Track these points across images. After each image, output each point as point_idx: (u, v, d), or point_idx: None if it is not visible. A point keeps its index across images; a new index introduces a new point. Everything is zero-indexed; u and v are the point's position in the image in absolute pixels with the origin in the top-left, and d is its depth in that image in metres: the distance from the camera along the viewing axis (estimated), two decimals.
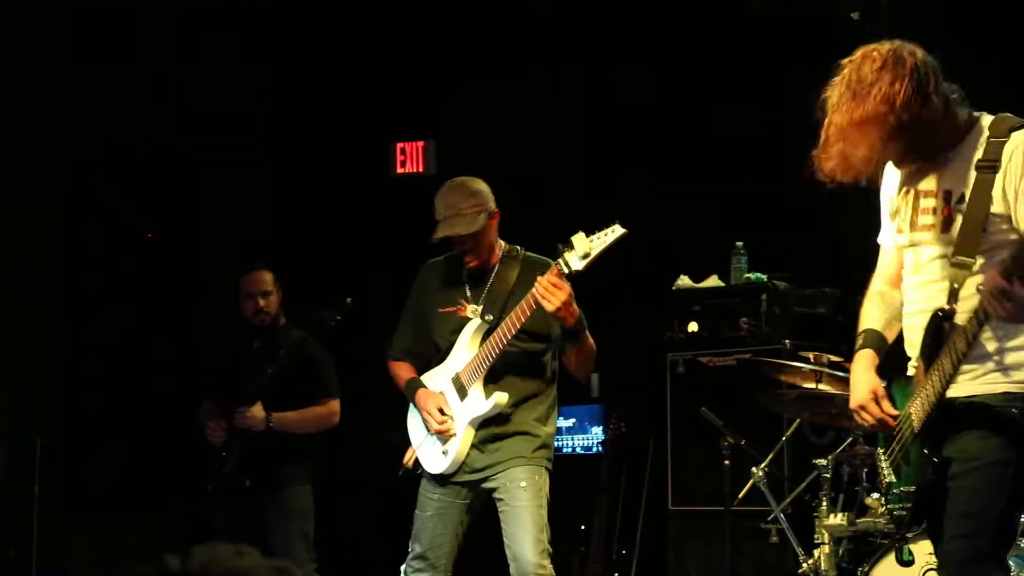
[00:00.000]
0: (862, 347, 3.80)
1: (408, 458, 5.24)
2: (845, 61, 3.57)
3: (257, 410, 6.13)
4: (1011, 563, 4.85)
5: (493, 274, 5.16)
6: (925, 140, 3.56)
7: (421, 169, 8.43)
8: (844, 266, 6.84)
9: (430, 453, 5.12)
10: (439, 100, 8.37)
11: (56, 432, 7.80)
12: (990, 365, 3.58)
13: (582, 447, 7.63)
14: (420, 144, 8.48)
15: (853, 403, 3.77)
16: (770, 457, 6.03)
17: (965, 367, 3.58)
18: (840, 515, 5.52)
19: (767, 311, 6.82)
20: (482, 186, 5.16)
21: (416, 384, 5.19)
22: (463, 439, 5.02)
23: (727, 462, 6.11)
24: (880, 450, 3.79)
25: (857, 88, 3.49)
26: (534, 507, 4.96)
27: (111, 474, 7.79)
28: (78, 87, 7.83)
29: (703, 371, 6.92)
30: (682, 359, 6.99)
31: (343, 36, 8.49)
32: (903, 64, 3.48)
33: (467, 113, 8.20)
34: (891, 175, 3.80)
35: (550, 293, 4.72)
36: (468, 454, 5.04)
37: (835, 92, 3.55)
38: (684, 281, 7.13)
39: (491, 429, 5.04)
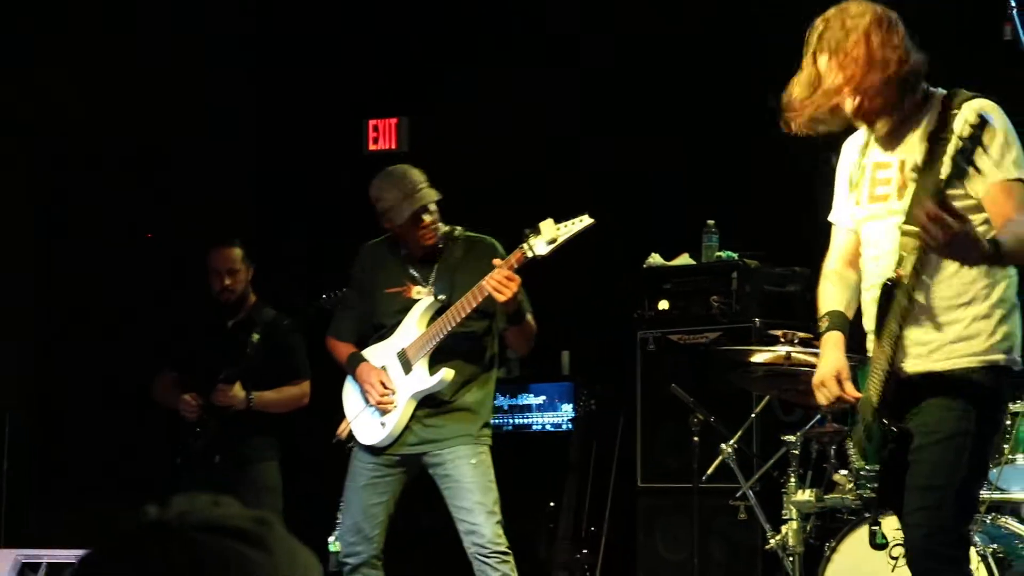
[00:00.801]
0: (829, 329, 3.83)
1: (342, 429, 5.29)
2: (820, 19, 3.64)
3: (238, 389, 6.12)
4: (977, 539, 4.91)
5: (440, 255, 5.23)
6: (898, 96, 3.60)
7: (394, 146, 8.41)
8: (814, 245, 6.86)
9: (367, 425, 5.17)
10: (412, 77, 8.35)
11: (25, 406, 7.79)
12: (946, 336, 3.60)
13: (552, 424, 7.65)
14: (393, 121, 8.46)
15: (816, 379, 3.80)
16: (739, 434, 6.06)
17: (918, 337, 3.59)
18: (808, 491, 5.54)
19: (737, 289, 6.84)
20: None
21: (358, 358, 5.25)
22: (403, 412, 5.08)
23: (696, 439, 6.15)
24: (848, 440, 3.82)
25: (849, 32, 3.59)
26: (485, 482, 5.06)
27: (80, 449, 7.76)
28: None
29: (673, 349, 6.94)
30: (652, 337, 7.01)
31: (316, 13, 8.46)
32: (888, 18, 3.62)
33: (440, 91, 8.18)
34: (848, 153, 3.84)
35: (503, 287, 4.82)
36: (407, 427, 5.10)
37: (820, 38, 3.63)
38: (655, 259, 7.15)
39: (432, 405, 5.11)
